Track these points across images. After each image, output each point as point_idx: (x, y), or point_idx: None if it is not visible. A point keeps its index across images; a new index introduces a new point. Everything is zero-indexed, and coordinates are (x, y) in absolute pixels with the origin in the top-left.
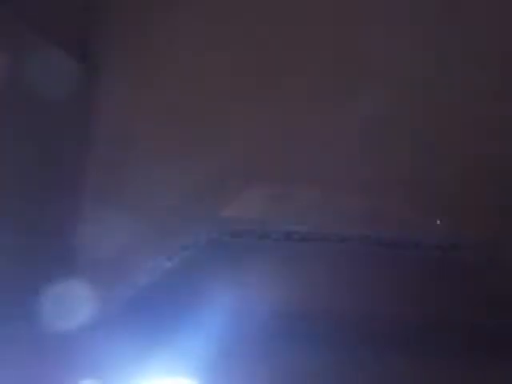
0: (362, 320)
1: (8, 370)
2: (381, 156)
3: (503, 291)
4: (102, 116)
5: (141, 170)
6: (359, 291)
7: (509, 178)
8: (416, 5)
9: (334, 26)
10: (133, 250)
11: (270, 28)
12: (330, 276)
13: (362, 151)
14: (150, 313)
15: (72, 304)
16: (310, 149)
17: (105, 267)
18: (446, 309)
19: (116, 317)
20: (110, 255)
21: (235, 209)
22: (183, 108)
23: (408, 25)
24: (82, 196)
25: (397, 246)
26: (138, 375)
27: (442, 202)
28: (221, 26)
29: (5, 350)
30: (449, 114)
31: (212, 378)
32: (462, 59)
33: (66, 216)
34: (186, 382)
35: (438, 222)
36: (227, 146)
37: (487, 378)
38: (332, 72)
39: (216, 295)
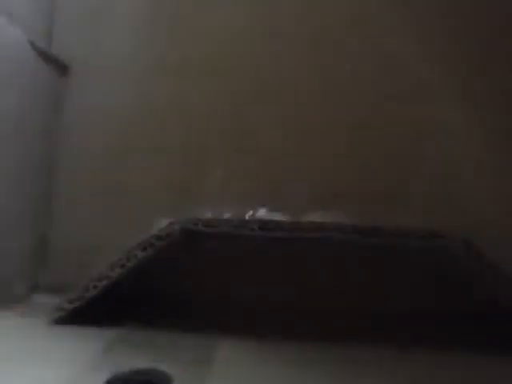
0: (339, 312)
1: None
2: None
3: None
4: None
5: (114, 163)
6: (335, 281)
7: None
8: None
9: None
10: (106, 241)
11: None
12: (306, 266)
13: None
14: (122, 304)
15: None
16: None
17: (76, 257)
18: (424, 298)
19: (86, 308)
20: (82, 246)
21: (210, 199)
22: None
23: None
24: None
25: (373, 234)
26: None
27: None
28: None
29: None
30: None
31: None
32: None
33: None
34: None
35: None
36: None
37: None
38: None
39: (190, 286)
